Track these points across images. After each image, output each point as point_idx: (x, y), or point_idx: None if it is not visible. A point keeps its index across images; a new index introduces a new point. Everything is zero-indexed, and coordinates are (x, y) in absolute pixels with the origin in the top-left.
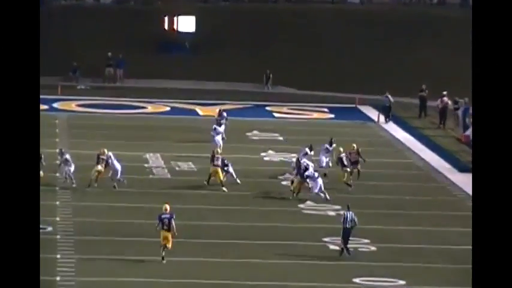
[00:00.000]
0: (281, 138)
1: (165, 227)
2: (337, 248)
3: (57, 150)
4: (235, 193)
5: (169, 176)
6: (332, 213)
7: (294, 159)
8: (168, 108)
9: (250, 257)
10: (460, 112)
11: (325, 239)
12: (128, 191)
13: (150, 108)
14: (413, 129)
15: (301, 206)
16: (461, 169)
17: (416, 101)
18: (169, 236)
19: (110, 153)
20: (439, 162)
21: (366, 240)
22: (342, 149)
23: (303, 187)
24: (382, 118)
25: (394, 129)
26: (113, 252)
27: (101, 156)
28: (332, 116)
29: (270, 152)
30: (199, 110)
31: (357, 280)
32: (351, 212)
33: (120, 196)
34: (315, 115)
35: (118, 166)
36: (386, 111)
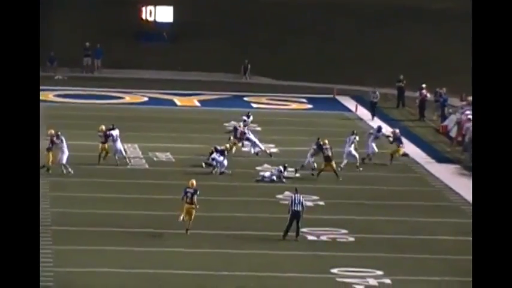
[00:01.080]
0: (259, 128)
1: (187, 201)
2: (314, 238)
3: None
4: (213, 183)
5: (147, 166)
6: (310, 203)
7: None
8: (145, 99)
9: (228, 247)
10: (438, 103)
11: (303, 229)
12: (105, 182)
13: (127, 99)
14: (391, 119)
15: (279, 196)
16: (440, 160)
17: (394, 91)
18: (191, 209)
19: (112, 132)
20: (417, 152)
21: (344, 231)
22: (326, 141)
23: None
24: (360, 109)
25: (374, 120)
26: (91, 243)
27: (99, 134)
28: (310, 106)
29: (248, 142)
30: (177, 100)
31: (334, 270)
32: (299, 195)
33: (98, 186)
34: (293, 106)
35: (119, 146)
36: (373, 107)
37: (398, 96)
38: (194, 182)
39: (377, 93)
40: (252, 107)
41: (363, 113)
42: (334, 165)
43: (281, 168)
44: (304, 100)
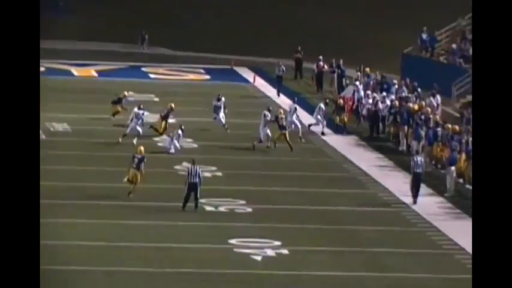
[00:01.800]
0: (157, 99)
1: (134, 166)
2: (212, 209)
3: None
4: (110, 154)
5: (43, 137)
6: (208, 174)
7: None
8: (42, 69)
9: (127, 218)
10: (335, 75)
11: (202, 200)
12: None
13: None
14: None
15: (177, 167)
16: (337, 131)
17: (292, 62)
18: (137, 174)
19: None
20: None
21: (242, 201)
22: (282, 111)
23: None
24: (258, 80)
25: (271, 91)
26: None
27: None
28: (208, 77)
29: (146, 113)
30: (75, 71)
31: (232, 241)
32: (196, 167)
33: None
34: (191, 76)
35: None
36: (279, 81)
37: (296, 67)
38: (142, 148)
39: (282, 66)
40: (149, 78)
41: (261, 83)
42: (287, 135)
43: (179, 131)
44: (202, 71)
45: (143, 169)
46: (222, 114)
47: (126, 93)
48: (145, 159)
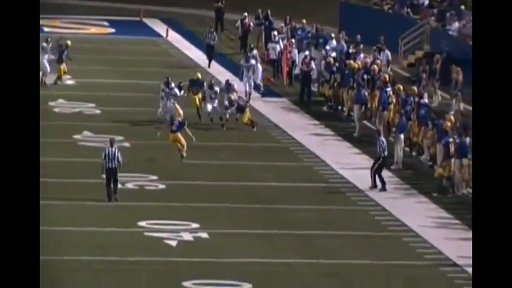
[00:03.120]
0: (53, 56)
1: (174, 129)
2: (119, 185)
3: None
4: None
5: None
6: None
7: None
8: None
9: None
10: (262, 27)
11: (105, 176)
12: None
13: None
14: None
15: (77, 137)
16: (264, 93)
17: (211, 13)
18: (178, 136)
19: None
20: (239, 85)
21: (153, 177)
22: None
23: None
24: (172, 34)
25: (187, 47)
26: None
27: None
28: (113, 30)
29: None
30: None
31: (142, 223)
32: (114, 148)
33: None
34: (93, 30)
35: None
36: (210, 51)
37: (217, 18)
38: (182, 112)
39: (214, 34)
40: (43, 32)
41: (175, 38)
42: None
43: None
44: (105, 23)
45: (189, 132)
46: (215, 105)
47: (68, 42)
48: (186, 124)
